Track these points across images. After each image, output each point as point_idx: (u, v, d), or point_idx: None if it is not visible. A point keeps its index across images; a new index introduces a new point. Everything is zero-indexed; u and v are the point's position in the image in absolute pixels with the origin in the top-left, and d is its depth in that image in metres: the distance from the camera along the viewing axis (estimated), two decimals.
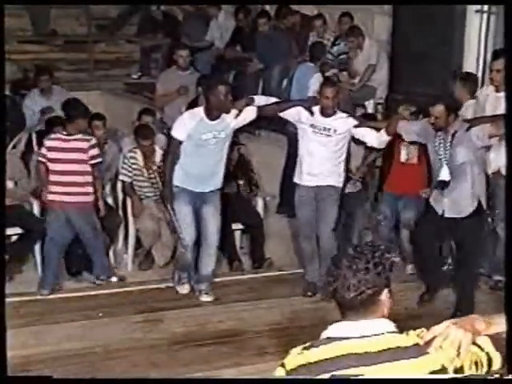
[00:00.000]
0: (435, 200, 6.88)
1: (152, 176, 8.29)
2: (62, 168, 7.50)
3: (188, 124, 6.91)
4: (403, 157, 7.66)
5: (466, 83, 7.78)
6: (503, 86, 7.09)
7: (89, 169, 7.56)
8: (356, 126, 7.10)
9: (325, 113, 7.06)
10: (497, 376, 2.88)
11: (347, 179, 7.60)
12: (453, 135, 6.59)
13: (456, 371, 2.77)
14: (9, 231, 7.62)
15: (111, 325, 6.79)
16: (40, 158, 7.65)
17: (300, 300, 7.31)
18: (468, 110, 7.53)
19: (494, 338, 2.82)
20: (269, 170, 9.10)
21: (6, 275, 6.63)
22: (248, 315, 7.03)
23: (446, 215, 6.78)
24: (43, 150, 7.59)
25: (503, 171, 7.11)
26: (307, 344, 2.84)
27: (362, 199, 8.19)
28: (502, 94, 7.16)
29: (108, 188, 8.61)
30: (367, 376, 2.73)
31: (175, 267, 7.51)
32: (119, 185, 8.56)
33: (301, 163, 7.24)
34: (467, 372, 2.79)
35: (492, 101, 7.39)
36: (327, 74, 9.34)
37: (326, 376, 2.74)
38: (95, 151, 7.58)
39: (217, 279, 7.69)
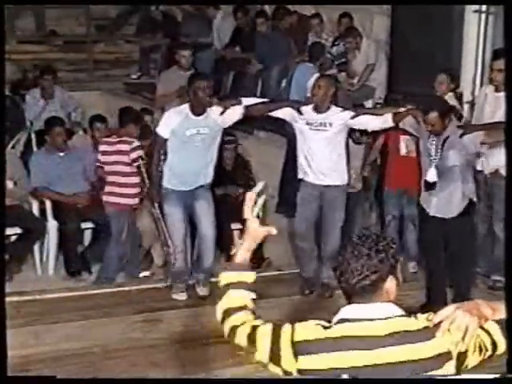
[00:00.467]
0: (424, 199, 6.90)
1: None
2: (112, 169, 7.81)
3: (173, 120, 6.95)
4: (403, 150, 7.69)
5: (448, 77, 7.81)
6: (503, 85, 7.11)
7: (135, 170, 7.70)
8: (354, 117, 7.04)
9: (318, 108, 7.04)
10: (497, 376, 2.93)
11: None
12: (445, 139, 6.61)
13: (460, 355, 2.80)
14: (8, 231, 7.63)
15: (110, 325, 6.79)
16: (97, 163, 8.00)
17: (299, 299, 7.32)
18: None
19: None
20: (268, 170, 9.10)
21: (6, 275, 6.67)
22: None
23: (434, 214, 6.79)
24: (98, 154, 7.95)
25: (502, 172, 7.12)
26: (322, 322, 2.88)
27: (362, 199, 8.20)
28: (501, 94, 7.17)
29: None
30: (372, 359, 2.77)
31: (171, 275, 7.50)
32: None
33: (302, 160, 7.22)
34: (471, 356, 2.83)
35: (491, 100, 7.39)
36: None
37: (333, 355, 2.78)
38: (136, 154, 7.67)
39: (217, 279, 7.69)
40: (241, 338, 3.05)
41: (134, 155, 7.67)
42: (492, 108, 7.29)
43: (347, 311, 2.88)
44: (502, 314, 2.83)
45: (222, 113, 6.97)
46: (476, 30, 8.99)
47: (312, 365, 2.83)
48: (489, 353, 2.86)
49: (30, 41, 13.56)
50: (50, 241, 8.13)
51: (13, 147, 9.84)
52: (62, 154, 8.25)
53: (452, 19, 8.87)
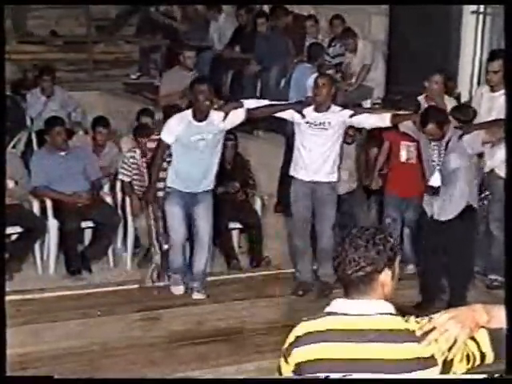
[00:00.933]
0: (426, 202, 6.91)
1: None
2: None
3: (176, 127, 6.99)
4: (403, 157, 7.71)
5: (442, 77, 7.85)
6: (499, 86, 7.14)
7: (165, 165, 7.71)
8: (352, 115, 7.06)
9: (319, 108, 7.07)
10: (497, 376, 2.94)
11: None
12: (447, 143, 6.62)
13: (445, 362, 2.81)
14: (9, 230, 7.66)
15: (110, 323, 6.81)
16: (143, 159, 8.11)
17: (298, 298, 7.34)
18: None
19: (494, 331, 2.84)
20: (267, 170, 9.15)
21: (6, 274, 6.71)
22: (246, 313, 7.06)
23: (436, 218, 6.81)
24: (147, 152, 8.01)
25: (498, 171, 7.15)
26: (309, 317, 2.98)
27: (359, 199, 8.23)
28: (497, 94, 7.20)
29: (107, 187, 8.67)
30: (351, 353, 2.82)
31: (163, 268, 7.54)
32: (118, 184, 8.60)
33: (296, 157, 7.25)
34: (457, 365, 2.83)
35: (487, 100, 7.41)
36: None
37: (316, 346, 2.86)
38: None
39: (216, 278, 7.74)
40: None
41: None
42: (488, 108, 7.31)
43: (337, 305, 2.93)
44: (499, 322, 2.77)
45: (224, 118, 7.01)
46: (474, 31, 9.04)
47: (301, 357, 2.90)
48: (477, 362, 2.87)
49: (30, 41, 13.58)
50: (51, 240, 8.16)
51: (14, 147, 9.87)
52: (62, 153, 8.27)
53: (450, 20, 8.91)
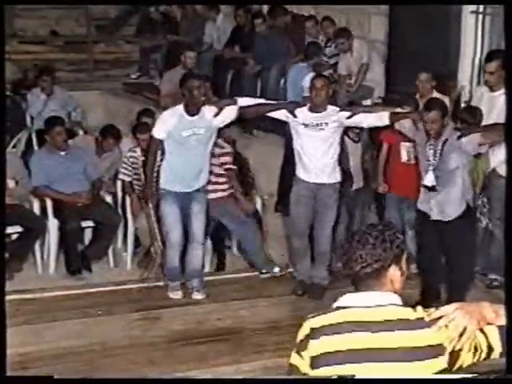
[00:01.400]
0: (423, 203, 6.89)
1: None
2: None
3: (168, 122, 7.00)
4: (404, 157, 7.73)
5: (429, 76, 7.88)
6: (498, 86, 7.15)
7: (222, 171, 7.77)
8: (350, 117, 7.04)
9: (315, 109, 7.07)
10: (497, 376, 2.96)
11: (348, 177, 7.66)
12: (444, 143, 6.62)
13: (453, 352, 2.85)
14: (9, 230, 7.68)
15: (110, 323, 6.82)
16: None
17: (298, 298, 7.35)
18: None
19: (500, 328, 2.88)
20: (266, 170, 9.15)
21: (6, 273, 6.71)
22: (246, 313, 7.07)
23: (433, 218, 6.79)
24: None
25: (499, 170, 7.16)
26: (319, 312, 3.02)
27: (362, 199, 8.24)
28: (497, 94, 7.21)
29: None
30: (368, 343, 2.86)
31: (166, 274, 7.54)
32: (119, 184, 8.62)
33: (297, 158, 7.25)
34: (464, 355, 2.87)
35: (486, 100, 7.41)
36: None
37: (330, 338, 2.90)
38: (226, 159, 7.78)
39: (215, 277, 7.75)
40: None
41: (222, 159, 7.75)
42: (487, 108, 7.30)
43: (345, 299, 2.99)
44: (504, 320, 2.84)
45: (216, 114, 7.02)
46: (473, 31, 9.05)
47: (318, 349, 2.93)
48: (484, 355, 2.91)
49: (30, 41, 13.60)
50: (51, 239, 8.17)
51: (14, 146, 9.89)
52: (62, 153, 8.28)
53: (449, 20, 8.91)
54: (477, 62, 8.99)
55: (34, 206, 8.24)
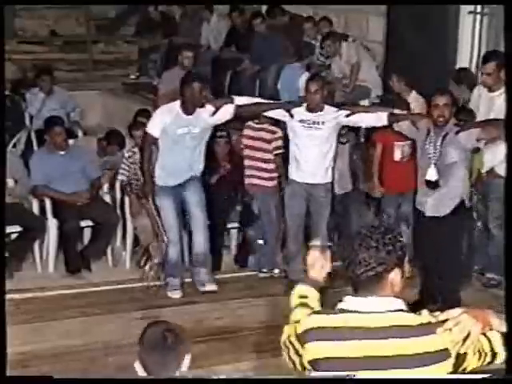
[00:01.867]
0: (419, 201, 6.86)
1: None
2: (253, 155, 7.91)
3: (163, 119, 7.03)
4: (397, 156, 7.74)
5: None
6: (496, 86, 7.17)
7: (272, 157, 7.84)
8: (348, 115, 7.06)
9: (312, 109, 7.09)
10: (497, 376, 3.00)
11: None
12: (444, 136, 6.65)
13: (459, 355, 2.86)
14: (8, 229, 7.69)
15: (109, 322, 6.84)
16: (240, 145, 8.16)
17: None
18: None
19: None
20: None
21: (6, 272, 6.73)
22: (245, 312, 7.09)
23: (428, 214, 6.79)
24: (242, 138, 8.09)
25: (497, 170, 7.18)
26: (321, 310, 3.03)
27: (355, 200, 8.26)
28: (496, 94, 7.22)
29: (106, 187, 8.69)
30: (370, 351, 2.85)
31: (165, 272, 7.56)
32: (117, 183, 8.63)
33: (292, 158, 7.27)
34: (470, 359, 2.88)
35: (486, 100, 7.41)
36: None
37: (332, 344, 2.88)
38: (278, 143, 7.82)
39: (215, 277, 7.77)
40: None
41: (275, 144, 7.81)
42: (486, 108, 7.30)
43: (348, 303, 2.96)
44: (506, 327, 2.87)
45: (213, 113, 7.04)
46: (471, 31, 9.07)
47: (317, 353, 2.92)
48: (488, 359, 2.92)
49: (30, 41, 13.63)
50: (50, 239, 8.18)
51: (14, 146, 9.91)
52: (62, 152, 8.29)
53: (447, 20, 8.93)
54: (474, 61, 9.01)
55: (33, 206, 8.26)
